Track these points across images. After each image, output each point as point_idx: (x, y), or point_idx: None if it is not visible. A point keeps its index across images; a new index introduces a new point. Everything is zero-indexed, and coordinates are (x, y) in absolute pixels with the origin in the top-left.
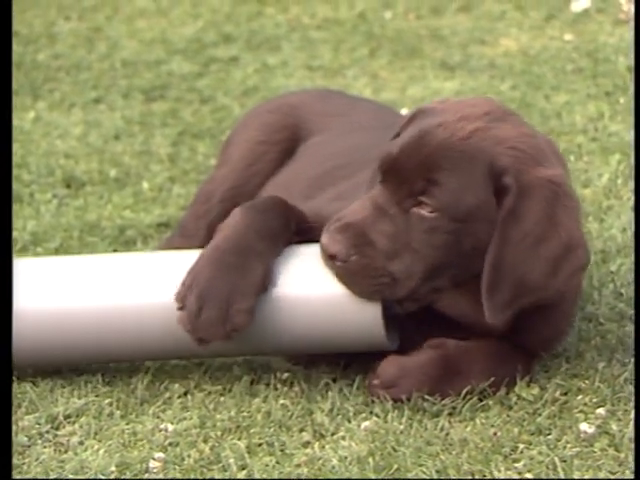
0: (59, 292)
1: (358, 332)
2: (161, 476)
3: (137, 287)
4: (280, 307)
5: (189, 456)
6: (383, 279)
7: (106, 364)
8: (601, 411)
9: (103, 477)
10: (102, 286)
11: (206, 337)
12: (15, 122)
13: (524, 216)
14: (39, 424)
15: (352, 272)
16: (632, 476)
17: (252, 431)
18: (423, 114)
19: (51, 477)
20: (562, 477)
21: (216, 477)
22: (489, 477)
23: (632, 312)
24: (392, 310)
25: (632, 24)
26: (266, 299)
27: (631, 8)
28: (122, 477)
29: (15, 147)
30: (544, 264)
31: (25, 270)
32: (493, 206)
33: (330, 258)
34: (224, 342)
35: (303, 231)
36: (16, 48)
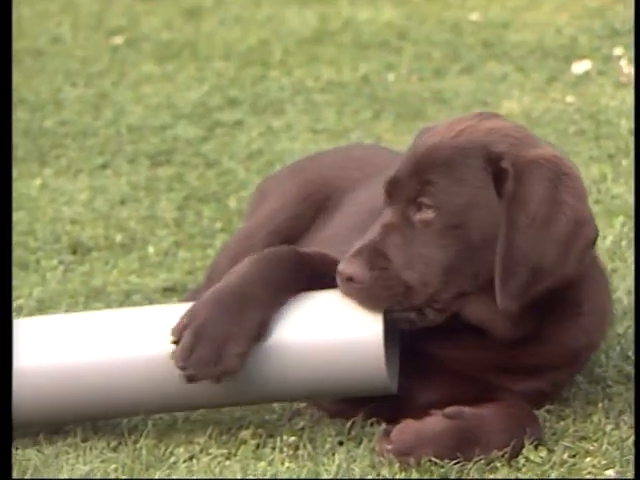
0: (57, 349)
1: (360, 378)
2: None
3: (131, 341)
4: (277, 354)
5: None
6: (398, 289)
7: (103, 419)
8: (610, 472)
9: None
10: (99, 341)
11: (196, 375)
12: (22, 189)
13: (527, 199)
14: None
15: (369, 288)
16: None
17: None
18: (422, 133)
19: None
20: None
21: None
22: None
23: None
24: (395, 341)
25: (633, 86)
26: (264, 346)
27: (632, 71)
28: None
29: (22, 214)
30: (555, 245)
31: (24, 328)
32: (493, 194)
33: (348, 281)
34: (221, 388)
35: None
36: (23, 115)
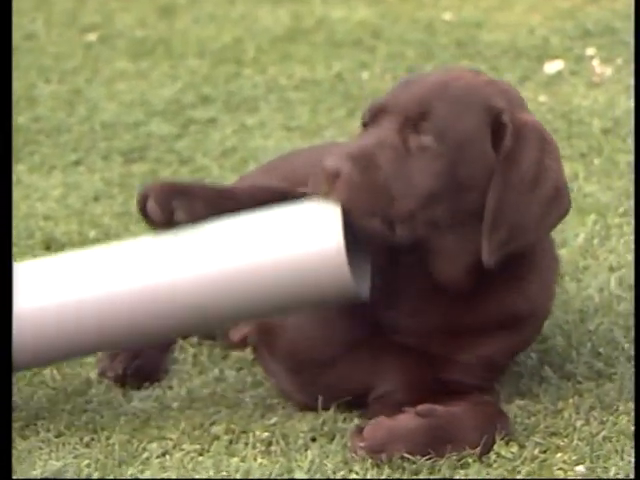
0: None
1: (327, 285)
2: None
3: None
4: (246, 275)
5: None
6: (382, 197)
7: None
8: (580, 468)
9: None
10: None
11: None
12: None
13: (521, 158)
14: None
15: (354, 187)
16: None
17: None
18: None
19: None
20: None
21: None
22: None
23: (611, 370)
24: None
25: (606, 87)
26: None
27: (604, 71)
28: None
29: None
30: (537, 207)
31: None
32: (489, 142)
33: (333, 177)
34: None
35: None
36: None
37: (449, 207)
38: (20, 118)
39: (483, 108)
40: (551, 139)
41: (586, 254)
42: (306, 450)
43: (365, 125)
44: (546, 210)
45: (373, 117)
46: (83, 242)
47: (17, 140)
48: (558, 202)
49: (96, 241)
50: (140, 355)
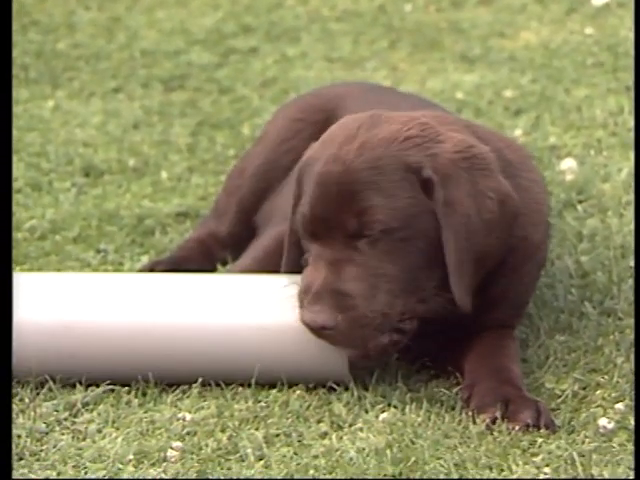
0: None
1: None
2: (179, 465)
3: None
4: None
5: (207, 445)
6: (375, 320)
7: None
8: (620, 406)
9: (121, 465)
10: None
11: None
12: (34, 110)
13: (457, 200)
14: (57, 411)
15: (346, 331)
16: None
17: (270, 421)
18: (308, 166)
19: (69, 464)
20: (580, 472)
21: (233, 467)
22: (507, 471)
23: None
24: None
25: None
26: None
27: None
28: (140, 465)
29: (34, 135)
30: (491, 231)
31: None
32: (424, 198)
33: (320, 330)
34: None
35: None
36: (36, 37)
37: (425, 276)
38: (60, 44)
39: (403, 171)
40: (475, 152)
41: (629, 189)
42: (346, 389)
43: (308, 237)
44: (500, 226)
45: (313, 235)
46: (122, 170)
47: (56, 66)
48: (506, 211)
49: (135, 170)
50: (181, 267)
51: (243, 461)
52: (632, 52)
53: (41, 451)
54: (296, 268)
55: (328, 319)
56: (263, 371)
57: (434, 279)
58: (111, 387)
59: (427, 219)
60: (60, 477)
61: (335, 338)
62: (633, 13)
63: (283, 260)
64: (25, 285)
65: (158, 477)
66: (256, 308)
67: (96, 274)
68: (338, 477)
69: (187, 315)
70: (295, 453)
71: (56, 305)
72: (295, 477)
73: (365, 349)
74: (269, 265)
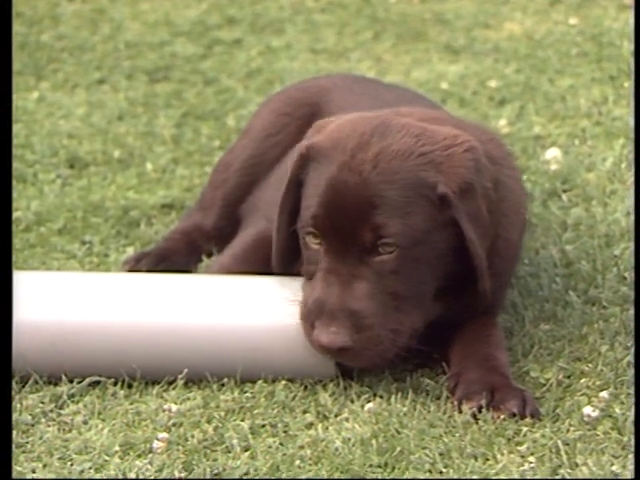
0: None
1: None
2: (165, 456)
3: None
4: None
5: (193, 436)
6: (389, 338)
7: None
8: (604, 394)
9: (107, 456)
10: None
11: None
12: (19, 102)
13: (475, 211)
14: (43, 403)
15: (362, 351)
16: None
17: (255, 412)
18: (314, 161)
19: (55, 456)
20: (565, 460)
21: (219, 458)
22: (492, 460)
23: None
24: None
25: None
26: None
27: None
28: (126, 456)
29: (18, 127)
30: (492, 214)
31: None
32: (439, 214)
33: (340, 352)
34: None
35: None
36: (19, 29)
37: (432, 286)
38: (44, 36)
39: (418, 188)
40: (473, 147)
41: (613, 178)
42: (332, 380)
43: (312, 234)
44: (497, 209)
45: (325, 238)
46: (107, 161)
47: (40, 57)
48: (517, 222)
49: (120, 161)
50: (166, 259)
51: (229, 452)
52: (616, 42)
53: (27, 443)
54: (289, 266)
55: (346, 341)
56: (248, 369)
57: (436, 287)
58: (97, 379)
59: (439, 234)
60: (46, 469)
61: (352, 358)
62: (633, 6)
63: (275, 257)
64: (20, 283)
65: (144, 468)
66: (244, 308)
67: (86, 274)
68: (324, 467)
69: (179, 315)
70: (281, 443)
71: (51, 304)
72: (281, 467)
73: (376, 364)
74: (247, 263)
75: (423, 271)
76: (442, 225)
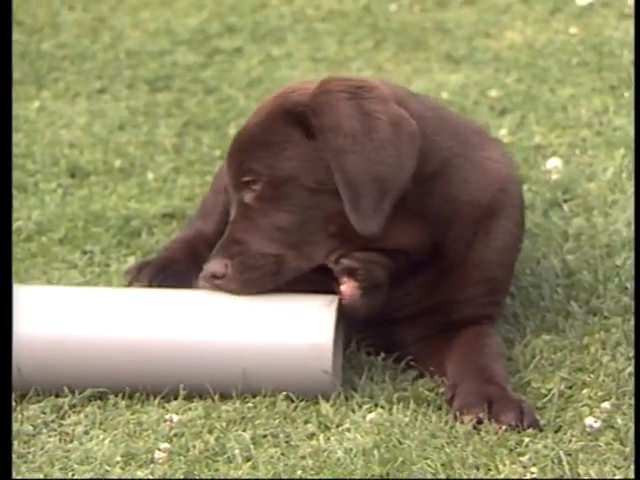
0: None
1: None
2: (166, 466)
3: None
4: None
5: (194, 447)
6: (266, 262)
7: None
8: (606, 405)
9: (108, 467)
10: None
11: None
12: (19, 111)
13: (336, 122)
14: (44, 413)
15: (235, 276)
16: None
17: (257, 422)
18: None
19: (56, 466)
20: (567, 471)
21: (221, 468)
22: (494, 471)
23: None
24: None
25: (634, 20)
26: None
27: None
28: (127, 467)
29: (19, 136)
30: (383, 151)
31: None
32: (306, 141)
33: (212, 279)
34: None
35: None
36: (20, 37)
37: (325, 215)
38: (44, 45)
39: (283, 116)
40: (362, 84)
41: (614, 188)
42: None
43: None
44: (394, 148)
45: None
46: (108, 171)
47: (41, 66)
48: (401, 133)
49: (121, 171)
50: (167, 268)
51: (230, 462)
52: (616, 52)
53: (28, 453)
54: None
55: (216, 266)
56: (248, 386)
57: (327, 226)
58: (98, 390)
59: (310, 160)
60: (47, 479)
61: (226, 284)
62: (633, 15)
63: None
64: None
65: (145, 479)
66: (241, 325)
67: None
68: (325, 478)
69: (177, 331)
70: (282, 454)
71: (50, 319)
72: (282, 478)
73: (260, 289)
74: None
75: (308, 202)
76: (322, 156)
